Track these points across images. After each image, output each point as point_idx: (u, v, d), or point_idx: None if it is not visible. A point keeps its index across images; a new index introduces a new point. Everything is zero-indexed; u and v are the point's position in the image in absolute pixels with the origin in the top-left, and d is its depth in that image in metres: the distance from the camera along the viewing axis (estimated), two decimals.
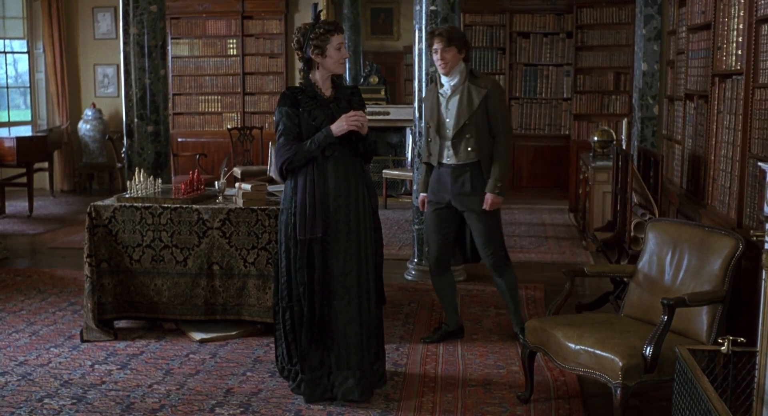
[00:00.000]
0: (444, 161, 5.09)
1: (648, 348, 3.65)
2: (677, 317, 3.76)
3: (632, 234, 5.89)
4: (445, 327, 5.34)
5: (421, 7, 6.64)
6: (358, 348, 4.28)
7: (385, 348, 4.59)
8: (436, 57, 5.00)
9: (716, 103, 5.28)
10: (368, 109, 11.85)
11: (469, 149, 5.00)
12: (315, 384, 4.30)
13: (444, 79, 5.06)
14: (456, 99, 5.01)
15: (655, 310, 3.97)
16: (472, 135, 4.98)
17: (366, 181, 4.35)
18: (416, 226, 6.83)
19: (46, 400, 4.33)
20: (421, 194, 5.31)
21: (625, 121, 8.03)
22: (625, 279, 4.85)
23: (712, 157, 5.33)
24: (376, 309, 4.37)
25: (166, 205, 5.31)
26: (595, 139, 8.77)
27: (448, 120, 5.04)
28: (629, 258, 5.72)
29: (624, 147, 7.31)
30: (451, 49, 4.96)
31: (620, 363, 3.65)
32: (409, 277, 6.87)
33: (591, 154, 8.75)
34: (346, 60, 4.37)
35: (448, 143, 5.04)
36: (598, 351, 3.77)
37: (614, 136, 8.76)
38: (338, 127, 4.19)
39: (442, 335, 5.30)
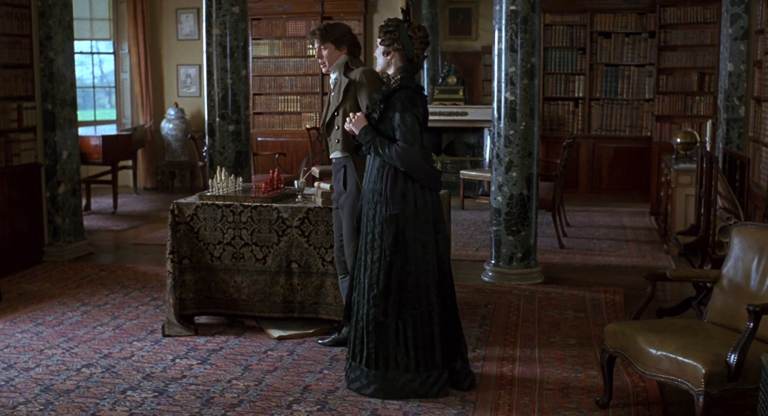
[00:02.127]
0: (330, 156, 5.03)
1: (732, 356, 3.56)
2: (763, 324, 3.66)
3: (716, 238, 5.76)
4: (338, 335, 5.20)
5: (501, 7, 6.59)
6: (353, 339, 4.44)
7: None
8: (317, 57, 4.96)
9: None
10: (446, 109, 11.84)
11: (337, 141, 4.87)
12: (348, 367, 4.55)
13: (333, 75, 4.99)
14: (333, 93, 4.95)
15: (740, 317, 3.87)
16: (339, 126, 4.85)
17: (381, 186, 4.31)
18: (494, 227, 6.79)
19: (129, 392, 4.44)
20: None
21: (709, 123, 7.85)
22: (709, 285, 4.74)
23: None
24: (374, 316, 4.33)
25: (246, 204, 5.39)
26: (678, 140, 8.58)
27: (332, 117, 4.94)
28: (713, 263, 5.58)
29: (708, 149, 7.15)
30: (328, 45, 4.89)
31: (703, 370, 3.57)
32: (486, 279, 6.82)
33: (673, 156, 8.57)
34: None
35: (329, 137, 4.96)
36: (680, 358, 3.69)
37: (698, 138, 8.57)
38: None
39: (336, 341, 5.18)
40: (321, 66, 4.98)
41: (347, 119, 4.42)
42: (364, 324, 4.36)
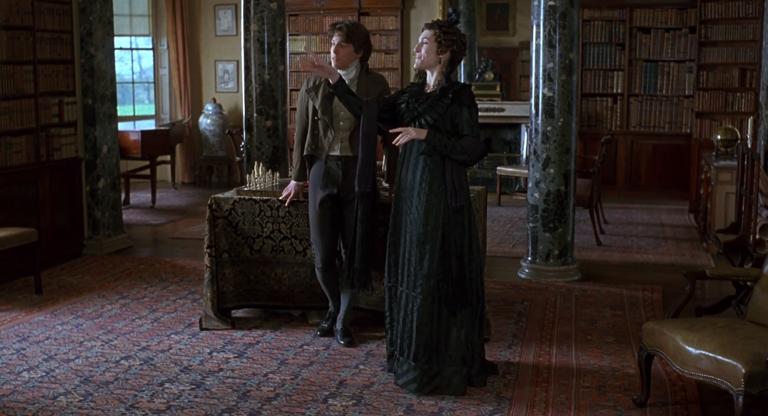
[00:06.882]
0: (335, 153, 4.99)
1: None
2: None
3: (757, 236, 5.68)
4: (330, 311, 5.37)
5: (539, 2, 6.55)
6: (400, 334, 4.55)
7: (497, 346, 4.57)
8: (331, 49, 4.98)
9: None
10: (483, 105, 11.87)
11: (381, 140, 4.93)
12: None
13: (341, 73, 4.96)
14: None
15: None
16: None
17: (437, 178, 4.41)
18: (531, 224, 6.75)
19: (167, 385, 4.49)
20: (296, 182, 5.22)
21: (750, 120, 7.74)
22: (749, 283, 4.68)
23: None
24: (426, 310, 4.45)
25: (283, 199, 5.41)
26: (719, 137, 8.48)
27: (342, 112, 4.95)
28: (754, 262, 5.51)
29: (749, 146, 7.06)
30: (348, 45, 4.92)
31: (743, 370, 3.52)
32: (522, 275, 6.80)
33: (713, 153, 8.47)
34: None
35: (344, 135, 4.96)
36: (719, 357, 3.65)
37: (739, 135, 8.45)
38: None
39: (330, 320, 5.34)
40: (332, 60, 5.00)
41: (402, 135, 4.37)
42: (414, 318, 4.36)
